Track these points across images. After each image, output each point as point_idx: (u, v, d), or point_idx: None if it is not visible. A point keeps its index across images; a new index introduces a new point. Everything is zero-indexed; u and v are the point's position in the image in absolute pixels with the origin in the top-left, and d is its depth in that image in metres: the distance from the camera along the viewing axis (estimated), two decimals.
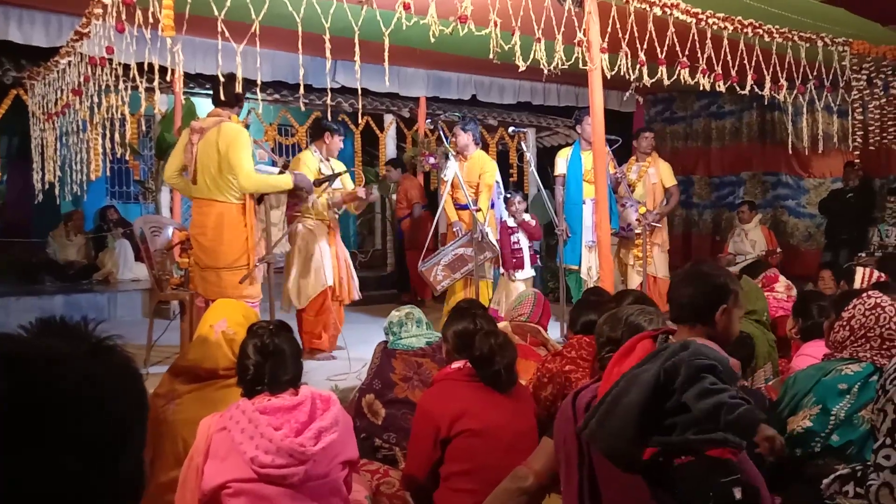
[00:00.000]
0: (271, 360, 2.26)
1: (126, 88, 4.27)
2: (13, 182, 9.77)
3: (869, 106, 6.21)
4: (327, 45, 3.63)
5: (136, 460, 0.85)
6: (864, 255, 6.94)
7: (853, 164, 7.84)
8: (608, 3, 4.44)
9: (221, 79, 3.96)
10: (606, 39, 4.56)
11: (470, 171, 5.88)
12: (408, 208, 8.19)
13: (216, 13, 3.34)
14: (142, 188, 8.77)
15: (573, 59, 4.45)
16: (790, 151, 7.35)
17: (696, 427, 1.67)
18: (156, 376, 3.02)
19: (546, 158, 9.03)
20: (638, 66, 4.73)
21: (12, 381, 0.75)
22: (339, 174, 5.22)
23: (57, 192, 6.24)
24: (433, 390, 2.83)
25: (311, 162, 5.22)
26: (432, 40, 3.95)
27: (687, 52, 4.82)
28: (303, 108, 5.08)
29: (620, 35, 4.51)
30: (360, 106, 4.86)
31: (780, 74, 5.41)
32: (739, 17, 5.04)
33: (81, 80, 4.81)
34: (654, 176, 6.61)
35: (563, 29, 4.30)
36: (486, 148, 9.19)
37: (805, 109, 7.98)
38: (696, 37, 4.80)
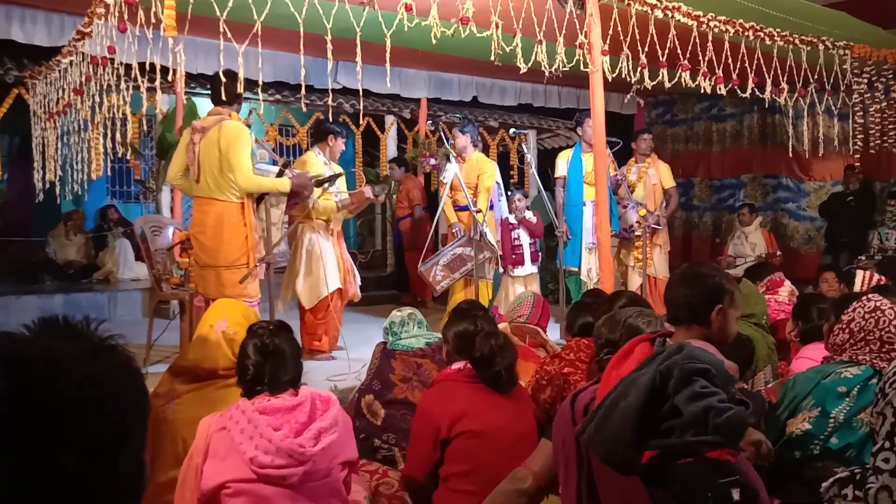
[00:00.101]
0: (271, 361, 2.26)
1: (127, 88, 4.27)
2: (14, 181, 9.77)
3: (869, 109, 6.21)
4: (329, 45, 3.64)
5: (137, 460, 0.85)
6: (864, 258, 6.94)
7: (853, 168, 7.84)
8: (610, 6, 4.45)
9: (222, 77, 3.96)
10: (608, 42, 4.56)
11: (468, 172, 5.90)
12: (409, 208, 8.19)
13: (218, 13, 3.35)
14: (142, 188, 8.78)
15: (574, 62, 4.46)
16: (791, 154, 7.36)
17: (693, 429, 1.67)
18: (155, 376, 3.02)
19: (547, 160, 9.04)
20: (639, 69, 4.74)
21: (12, 381, 0.75)
22: (339, 175, 5.23)
23: (58, 191, 6.25)
24: (433, 391, 2.83)
25: (316, 163, 5.22)
26: (434, 42, 3.96)
27: (688, 55, 4.82)
28: (304, 109, 5.08)
29: (622, 37, 4.51)
30: (361, 107, 4.88)
31: (780, 77, 5.42)
32: (741, 21, 5.04)
33: (83, 79, 4.82)
34: (654, 177, 6.63)
35: (564, 31, 4.30)
36: (486, 149, 9.21)
37: (806, 112, 8.00)
38: (697, 39, 4.80)
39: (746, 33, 5.07)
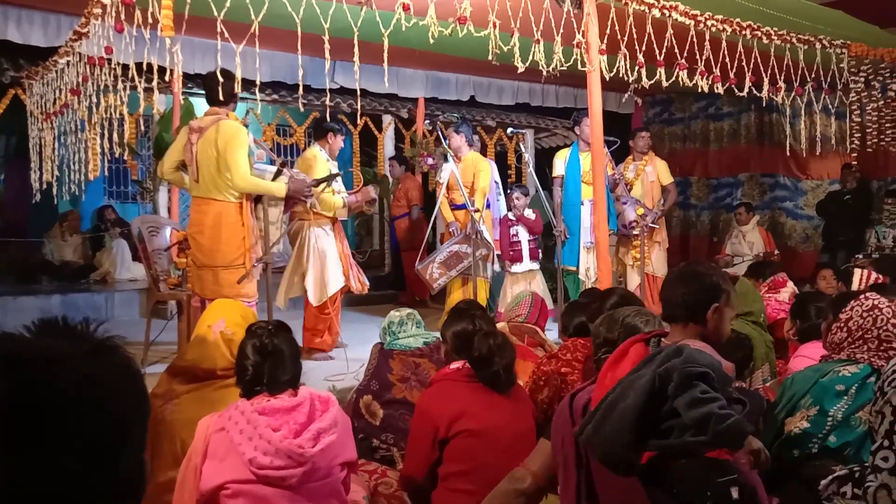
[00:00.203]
0: (270, 361, 2.25)
1: (124, 88, 4.27)
2: (11, 181, 9.76)
3: (867, 108, 6.23)
4: (326, 45, 3.63)
5: (137, 460, 0.85)
6: (861, 256, 6.95)
7: (851, 166, 7.86)
8: (607, 5, 4.45)
9: (220, 77, 3.95)
10: (605, 41, 4.57)
11: (464, 172, 5.91)
12: (406, 207, 8.18)
13: (215, 13, 3.34)
14: (140, 188, 8.77)
15: (572, 61, 4.46)
16: (788, 153, 7.36)
17: (692, 430, 1.67)
18: (153, 376, 3.01)
19: (544, 159, 9.04)
20: (636, 68, 4.74)
21: (12, 381, 0.75)
22: (338, 174, 5.23)
23: (55, 191, 6.23)
24: (432, 390, 2.83)
25: (321, 160, 5.23)
26: (431, 41, 3.96)
27: (685, 54, 4.83)
28: (301, 109, 5.08)
29: (619, 37, 4.52)
30: (358, 106, 4.85)
31: (778, 76, 5.43)
32: (738, 19, 5.04)
33: (80, 79, 4.81)
34: (651, 174, 6.64)
35: (561, 30, 4.31)
36: (484, 149, 9.21)
37: (803, 111, 8.05)
38: (694, 38, 4.81)
39: (744, 32, 5.08)
